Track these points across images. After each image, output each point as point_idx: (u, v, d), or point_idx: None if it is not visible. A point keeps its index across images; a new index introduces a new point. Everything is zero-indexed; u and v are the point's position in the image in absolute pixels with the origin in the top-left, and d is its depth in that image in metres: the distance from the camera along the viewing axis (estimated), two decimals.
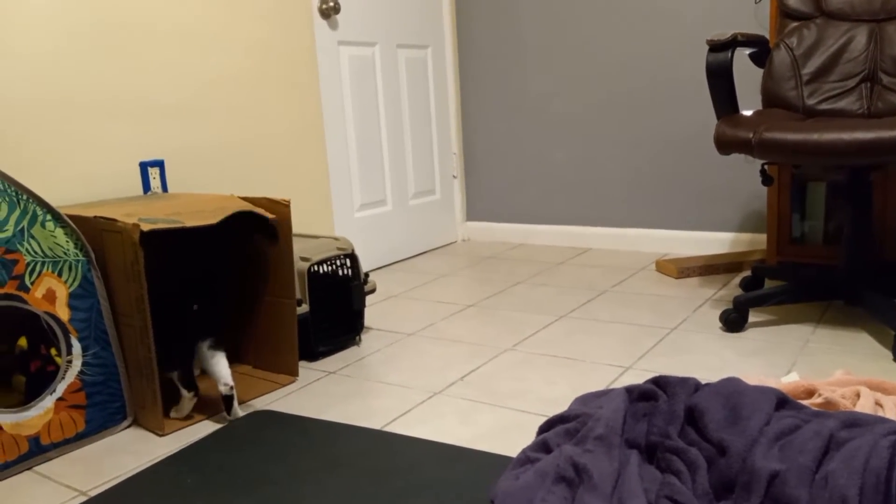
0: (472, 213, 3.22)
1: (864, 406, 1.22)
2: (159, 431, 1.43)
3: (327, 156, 2.50)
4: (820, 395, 1.28)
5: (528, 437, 1.32)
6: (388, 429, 1.40)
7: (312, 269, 1.78)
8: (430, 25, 2.95)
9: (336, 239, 1.89)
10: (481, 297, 2.28)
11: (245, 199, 1.67)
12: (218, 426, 1.45)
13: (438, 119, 3.03)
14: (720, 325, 1.89)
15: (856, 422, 1.03)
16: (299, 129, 2.38)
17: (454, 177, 3.15)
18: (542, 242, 3.04)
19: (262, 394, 1.61)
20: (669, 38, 2.64)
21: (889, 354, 1.63)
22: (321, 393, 1.60)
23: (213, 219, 1.49)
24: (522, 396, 1.52)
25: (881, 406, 1.23)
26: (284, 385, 1.65)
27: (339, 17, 2.50)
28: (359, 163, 2.65)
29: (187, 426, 1.46)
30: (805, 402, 1.26)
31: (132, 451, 1.37)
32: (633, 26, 2.70)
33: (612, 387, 1.51)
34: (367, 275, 1.94)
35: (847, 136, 1.58)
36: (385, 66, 2.73)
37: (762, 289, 1.96)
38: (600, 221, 2.90)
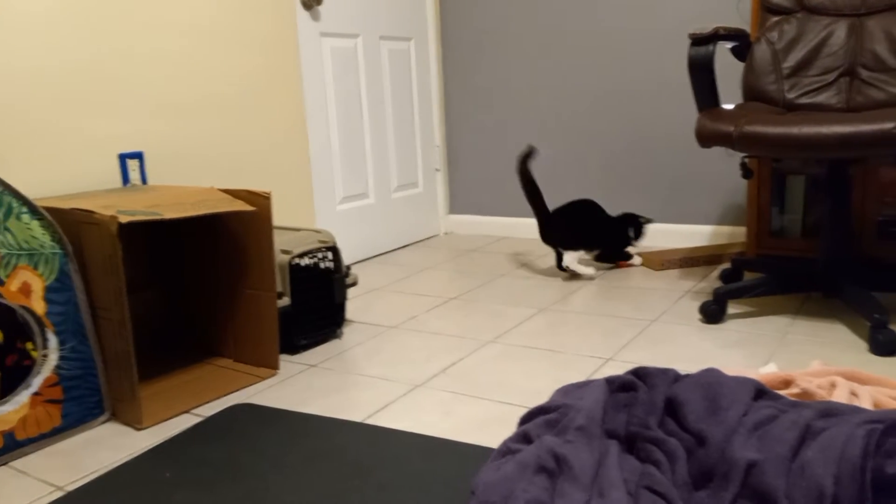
0: (455, 207, 3.21)
1: (840, 396, 1.23)
2: (138, 425, 1.42)
3: (309, 148, 2.49)
4: (797, 385, 1.29)
5: (509, 429, 1.33)
6: (369, 422, 1.40)
7: (294, 262, 1.77)
8: (413, 17, 2.94)
9: (318, 232, 1.88)
10: (463, 290, 2.28)
11: (225, 191, 1.65)
12: (197, 419, 1.44)
13: (421, 112, 3.02)
14: (700, 316, 1.91)
15: (831, 412, 1.04)
16: (281, 121, 2.37)
17: (437, 170, 3.14)
18: (525, 235, 3.05)
19: (243, 387, 1.60)
20: (653, 33, 2.65)
21: (865, 345, 1.65)
22: (302, 386, 1.59)
23: (193, 211, 1.48)
24: (504, 388, 1.52)
25: (856, 396, 1.24)
26: (265, 378, 1.64)
27: (321, 8, 2.49)
28: (341, 155, 2.63)
29: (166, 420, 1.45)
30: (783, 393, 1.28)
31: (110, 445, 1.36)
32: (618, 21, 2.71)
33: (592, 378, 1.52)
34: (348, 268, 1.94)
35: (826, 129, 1.59)
36: (368, 57, 2.72)
37: (741, 281, 1.98)
38: None
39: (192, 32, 2.05)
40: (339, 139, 2.62)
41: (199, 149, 2.10)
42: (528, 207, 3.04)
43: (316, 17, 2.47)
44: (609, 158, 2.82)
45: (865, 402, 1.21)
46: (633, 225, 2.44)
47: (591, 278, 2.33)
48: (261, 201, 1.61)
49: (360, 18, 2.66)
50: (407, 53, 2.92)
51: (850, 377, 1.33)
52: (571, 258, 2.31)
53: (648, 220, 2.44)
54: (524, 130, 2.98)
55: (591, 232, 2.37)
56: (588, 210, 2.39)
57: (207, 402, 1.52)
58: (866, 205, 2.16)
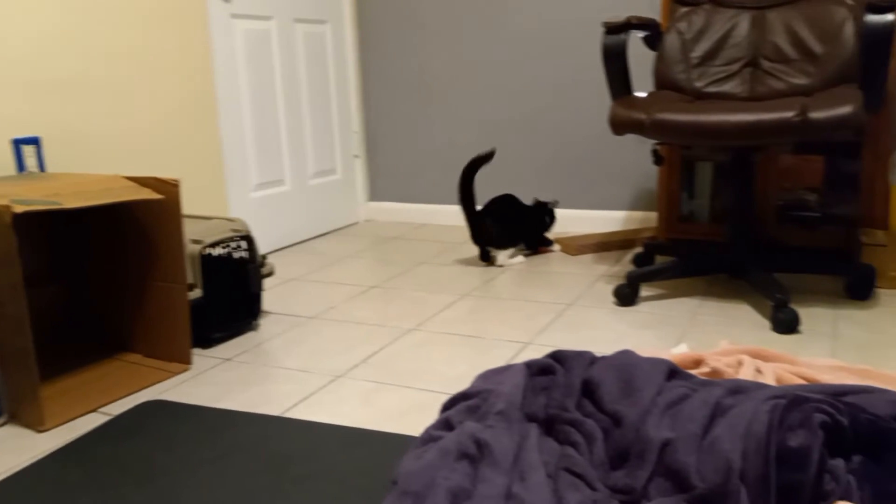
0: (375, 194, 3.18)
1: (746, 374, 1.29)
2: (39, 427, 1.34)
3: (221, 133, 2.40)
4: (707, 364, 1.34)
5: (431, 417, 1.32)
6: (288, 415, 1.37)
7: (205, 252, 1.71)
8: (328, 0, 2.87)
9: (231, 220, 1.82)
10: (384, 278, 2.27)
11: (132, 179, 1.58)
12: (105, 418, 1.37)
13: (338, 97, 2.97)
14: (614, 299, 1.96)
15: (739, 389, 1.09)
16: (190, 106, 2.28)
17: (356, 156, 3.10)
18: (446, 222, 3.05)
19: (153, 383, 1.53)
20: (569, 22, 2.69)
21: (768, 324, 1.74)
22: (216, 381, 1.54)
23: (96, 200, 1.40)
24: (426, 376, 1.52)
25: (761, 372, 1.30)
26: (177, 374, 1.58)
27: None
28: (255, 141, 2.56)
29: (71, 420, 1.37)
30: (693, 372, 1.32)
31: (9, 448, 1.28)
32: (535, 11, 2.73)
33: (512, 363, 1.54)
34: (264, 257, 1.89)
35: (731, 118, 1.66)
36: (282, 41, 2.64)
37: (653, 264, 2.04)
38: None
39: (92, 13, 1.94)
40: (252, 124, 2.54)
41: (104, 135, 2.00)
42: (449, 195, 3.06)
43: None
44: (526, 146, 2.85)
45: (769, 379, 1.27)
46: (546, 212, 2.51)
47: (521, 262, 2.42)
48: (169, 189, 1.54)
49: (273, 0, 2.59)
50: (323, 37, 2.86)
51: (756, 355, 1.39)
52: (504, 256, 2.39)
53: (556, 204, 2.54)
54: (444, 117, 2.97)
55: (518, 228, 2.45)
56: (511, 206, 2.45)
57: (116, 401, 1.46)
58: (768, 190, 2.26)
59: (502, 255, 2.38)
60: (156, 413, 1.38)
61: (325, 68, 2.88)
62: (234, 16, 2.43)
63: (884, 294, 1.91)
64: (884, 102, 1.72)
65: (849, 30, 1.85)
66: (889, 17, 1.60)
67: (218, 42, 2.37)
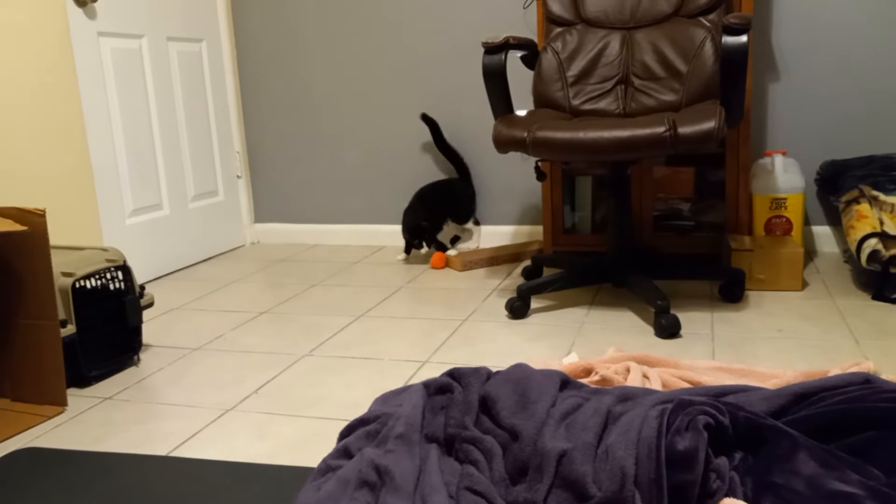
0: (261, 215, 3.10)
1: (634, 380, 1.34)
2: None
3: (91, 158, 2.27)
4: (596, 373, 1.39)
5: (329, 446, 1.29)
6: (175, 454, 1.30)
7: (78, 285, 1.60)
8: (203, 18, 2.78)
9: (105, 250, 1.71)
10: (274, 303, 2.20)
11: None
12: None
13: (218, 116, 2.87)
14: (506, 313, 1.99)
15: (628, 395, 1.13)
16: (54, 129, 2.13)
17: (238, 177, 3.01)
18: (337, 242, 3.01)
19: (24, 429, 1.41)
20: (449, 42, 2.73)
21: (651, 330, 1.82)
22: (96, 422, 1.44)
23: None
24: (322, 403, 1.48)
25: (648, 378, 1.36)
26: (51, 417, 1.47)
27: (97, 5, 2.27)
28: (128, 164, 2.43)
29: None
30: (584, 381, 1.36)
31: None
32: (416, 28, 2.75)
33: (410, 383, 1.53)
34: (142, 287, 1.79)
35: (607, 134, 1.73)
36: (155, 60, 2.53)
37: (541, 277, 2.09)
38: (393, 219, 2.93)
39: None
40: (125, 147, 2.42)
41: None
42: (338, 214, 3.02)
43: (91, 15, 2.26)
44: (414, 163, 2.86)
45: (656, 384, 1.32)
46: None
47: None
48: (34, 219, 1.43)
49: (143, 18, 2.48)
50: (199, 55, 2.77)
51: (642, 361, 1.45)
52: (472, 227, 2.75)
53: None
54: (330, 135, 2.94)
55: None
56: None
57: None
58: (644, 201, 2.38)
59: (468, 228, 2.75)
60: (27, 462, 1.27)
61: (202, 87, 2.78)
62: (101, 34, 2.31)
63: (753, 295, 2.05)
64: (742, 116, 1.85)
65: (708, 49, 1.98)
66: (743, 38, 1.72)
67: (83, 60, 2.24)
